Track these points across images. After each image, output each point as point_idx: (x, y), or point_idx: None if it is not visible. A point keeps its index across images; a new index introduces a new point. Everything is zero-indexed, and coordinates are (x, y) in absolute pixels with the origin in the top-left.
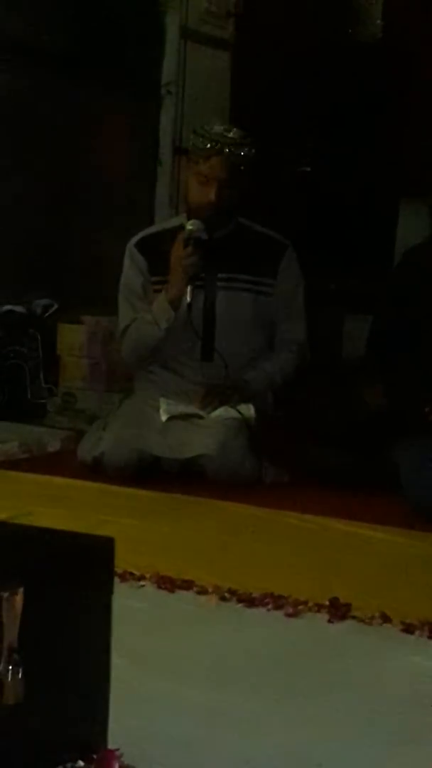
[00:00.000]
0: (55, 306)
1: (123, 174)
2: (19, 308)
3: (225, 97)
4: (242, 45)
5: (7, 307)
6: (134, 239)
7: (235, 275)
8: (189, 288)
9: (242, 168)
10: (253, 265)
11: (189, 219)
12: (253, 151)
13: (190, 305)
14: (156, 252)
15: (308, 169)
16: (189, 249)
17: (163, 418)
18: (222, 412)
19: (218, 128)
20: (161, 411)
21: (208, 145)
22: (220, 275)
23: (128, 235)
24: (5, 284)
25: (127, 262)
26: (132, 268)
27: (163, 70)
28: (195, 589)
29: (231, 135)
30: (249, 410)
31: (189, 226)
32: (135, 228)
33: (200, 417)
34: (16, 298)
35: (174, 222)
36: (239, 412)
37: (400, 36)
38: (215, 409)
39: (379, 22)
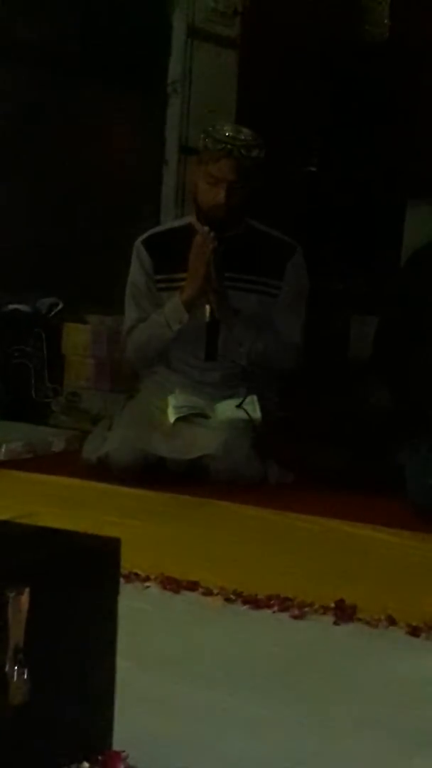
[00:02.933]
0: (61, 305)
1: (128, 173)
2: (24, 307)
3: (231, 96)
4: (249, 44)
5: (13, 305)
6: (142, 237)
7: (242, 275)
8: (208, 308)
9: (252, 169)
10: (260, 266)
11: (198, 220)
12: (263, 152)
13: (209, 324)
14: (162, 251)
15: (314, 169)
16: (210, 251)
17: (171, 419)
18: (229, 412)
19: (229, 129)
20: (170, 408)
21: (219, 147)
22: (227, 275)
23: (134, 235)
24: (11, 283)
25: (134, 260)
26: (138, 267)
27: (170, 69)
28: (200, 590)
29: (241, 137)
30: (255, 411)
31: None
32: (141, 227)
33: (206, 416)
34: (21, 297)
35: (181, 222)
36: (246, 412)
37: (407, 36)
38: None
39: (386, 21)
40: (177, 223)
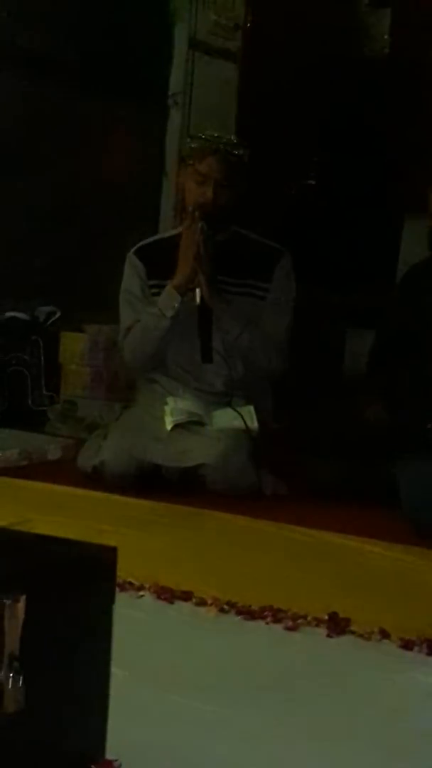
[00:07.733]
0: (58, 314)
1: (128, 184)
2: (22, 315)
3: (232, 108)
4: (249, 57)
5: (11, 313)
6: (133, 249)
7: (231, 279)
8: (198, 291)
9: (237, 168)
10: (249, 269)
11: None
12: (248, 154)
13: (199, 308)
14: (154, 258)
15: (313, 182)
16: (199, 234)
17: (168, 426)
18: (225, 420)
19: (213, 131)
20: (167, 415)
21: (205, 145)
22: (216, 278)
23: (132, 245)
24: (9, 291)
25: (127, 269)
26: (131, 274)
27: (171, 81)
28: (194, 600)
29: (226, 137)
30: (252, 420)
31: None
32: (139, 238)
33: (203, 424)
34: (19, 305)
35: (172, 232)
36: (243, 420)
37: (406, 51)
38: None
39: (386, 37)
40: (168, 234)
